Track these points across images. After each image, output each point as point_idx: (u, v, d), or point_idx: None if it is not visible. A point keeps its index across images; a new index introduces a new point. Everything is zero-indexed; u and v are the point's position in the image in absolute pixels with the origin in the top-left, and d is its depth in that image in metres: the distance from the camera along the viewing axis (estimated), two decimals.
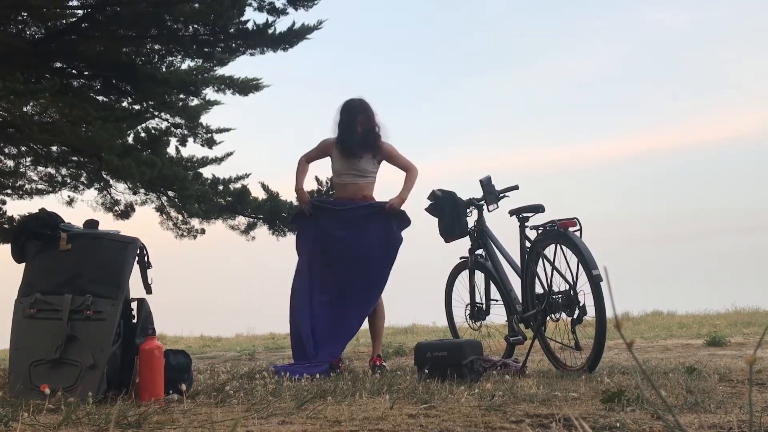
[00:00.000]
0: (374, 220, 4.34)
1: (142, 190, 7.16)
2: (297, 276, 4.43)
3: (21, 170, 7.27)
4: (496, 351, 4.46)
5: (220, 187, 6.96)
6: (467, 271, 4.52)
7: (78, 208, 7.56)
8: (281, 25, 5.99)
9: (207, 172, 7.17)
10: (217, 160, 7.28)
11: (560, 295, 3.69)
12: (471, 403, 2.40)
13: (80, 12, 5.85)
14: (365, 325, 4.49)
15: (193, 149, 11.94)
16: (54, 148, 6.70)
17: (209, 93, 6.81)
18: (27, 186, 7.44)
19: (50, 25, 5.92)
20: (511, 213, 4.11)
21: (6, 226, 7.04)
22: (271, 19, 5.93)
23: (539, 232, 3.84)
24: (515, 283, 4.18)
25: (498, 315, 4.37)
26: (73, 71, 6.44)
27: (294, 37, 6.06)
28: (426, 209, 4.44)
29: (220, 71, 6.76)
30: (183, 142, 7.14)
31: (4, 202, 7.43)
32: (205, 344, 10.36)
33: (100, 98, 6.57)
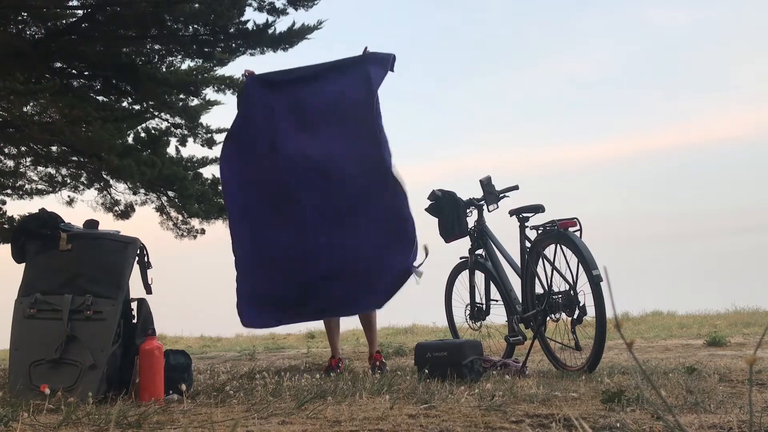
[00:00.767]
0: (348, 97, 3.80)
1: (142, 190, 7.16)
2: (237, 224, 3.78)
3: (21, 170, 7.27)
4: (496, 351, 4.46)
5: (220, 187, 6.96)
6: (467, 271, 4.52)
7: (78, 208, 7.56)
8: (281, 25, 6.00)
9: (207, 172, 7.17)
10: (217, 160, 7.26)
11: (560, 296, 3.69)
12: (471, 403, 2.40)
13: (80, 12, 5.86)
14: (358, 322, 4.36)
15: (193, 149, 11.94)
16: (54, 148, 6.70)
17: (209, 93, 6.81)
18: (27, 186, 7.44)
19: (50, 25, 5.92)
20: (511, 213, 4.11)
21: (6, 226, 7.04)
22: (271, 19, 5.94)
23: (539, 232, 3.85)
24: (515, 283, 4.19)
25: (498, 315, 4.38)
26: (73, 71, 6.44)
27: (294, 37, 6.06)
28: (426, 209, 4.44)
29: (220, 71, 6.76)
30: (183, 142, 7.14)
31: (4, 202, 7.43)
32: (205, 344, 10.36)
33: (100, 98, 6.57)
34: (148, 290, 3.19)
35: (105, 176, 6.96)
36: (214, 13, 5.59)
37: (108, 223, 7.42)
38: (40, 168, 7.26)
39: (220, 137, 7.24)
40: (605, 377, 3.23)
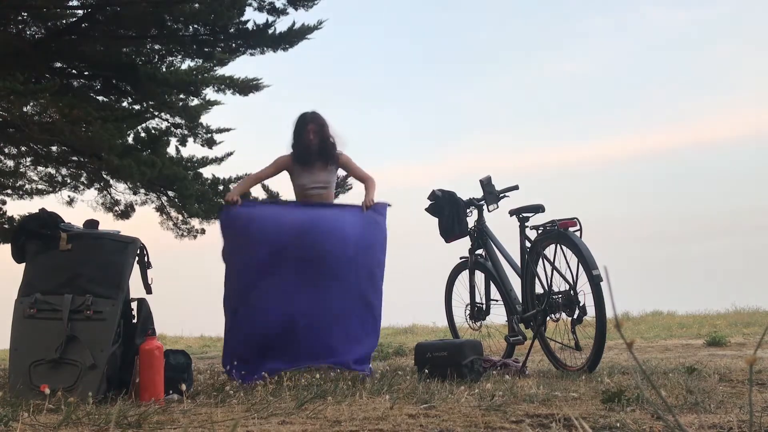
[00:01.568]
0: (347, 212, 4.01)
1: (142, 190, 7.16)
2: (231, 280, 3.84)
3: (21, 170, 7.27)
4: (496, 351, 4.46)
5: (220, 187, 6.96)
6: (467, 271, 4.52)
7: (78, 208, 7.56)
8: (281, 25, 6.00)
9: (207, 172, 7.18)
10: (217, 160, 7.28)
11: (560, 295, 3.69)
12: (471, 403, 2.40)
13: (80, 12, 5.86)
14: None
15: (193, 149, 11.95)
16: (54, 148, 6.70)
17: (209, 93, 6.82)
18: (27, 186, 7.45)
19: (50, 25, 5.92)
20: (511, 213, 4.11)
21: (6, 226, 7.04)
22: (271, 19, 5.94)
23: (539, 232, 3.85)
24: (515, 283, 4.19)
25: (498, 315, 4.38)
26: (74, 71, 6.44)
27: (294, 37, 6.07)
28: (426, 209, 4.44)
29: (220, 71, 6.77)
30: (183, 142, 7.15)
31: (4, 202, 7.43)
32: (205, 344, 10.36)
33: (100, 98, 6.57)
34: (148, 290, 3.19)
35: (105, 176, 6.97)
36: (214, 13, 5.59)
37: (108, 223, 7.43)
38: (40, 168, 7.27)
39: (220, 137, 7.27)
40: (605, 377, 3.23)
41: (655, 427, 1.83)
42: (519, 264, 4.09)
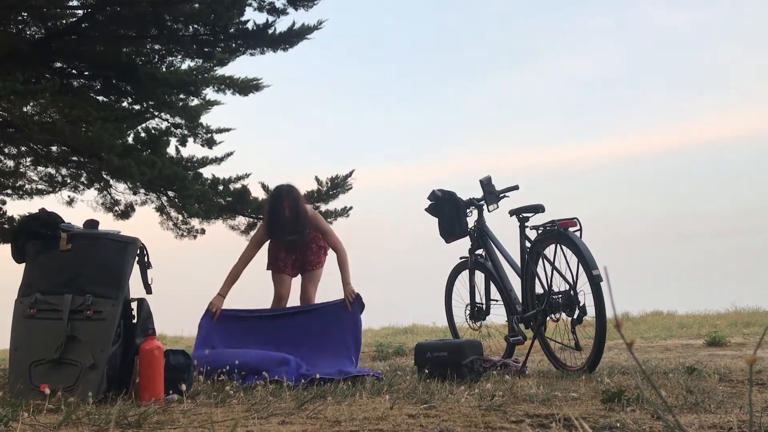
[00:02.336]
0: (326, 313, 4.17)
1: (142, 190, 7.15)
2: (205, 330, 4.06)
3: (21, 170, 7.27)
4: (496, 351, 4.46)
5: (220, 187, 6.95)
6: (467, 271, 4.52)
7: (78, 208, 7.55)
8: (281, 25, 6.00)
9: (207, 172, 7.17)
10: (217, 160, 7.27)
11: (560, 295, 3.69)
12: (471, 403, 2.40)
13: (80, 12, 5.86)
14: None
15: (193, 149, 11.94)
16: (54, 148, 6.69)
17: (209, 93, 6.81)
18: (27, 186, 7.43)
19: (50, 25, 5.92)
20: (511, 213, 4.11)
21: (6, 226, 7.04)
22: (271, 19, 5.94)
23: (539, 232, 3.84)
24: (515, 283, 4.19)
25: (498, 315, 4.38)
26: (73, 71, 6.44)
27: (294, 37, 6.06)
28: (426, 209, 4.44)
29: (220, 71, 6.76)
30: (183, 142, 7.14)
31: (4, 202, 7.42)
32: None
33: (100, 98, 6.57)
34: (148, 290, 3.19)
35: (105, 176, 6.96)
36: (214, 13, 5.59)
37: (108, 223, 7.42)
38: (40, 168, 7.26)
39: (220, 137, 7.26)
40: (605, 377, 3.23)
41: (655, 427, 1.83)
42: (519, 264, 4.09)
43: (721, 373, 3.28)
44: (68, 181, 7.36)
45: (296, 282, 4.60)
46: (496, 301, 4.36)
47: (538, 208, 4.02)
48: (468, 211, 4.40)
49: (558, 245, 3.67)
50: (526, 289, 3.96)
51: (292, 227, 4.29)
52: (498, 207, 4.32)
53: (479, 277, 4.47)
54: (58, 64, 6.34)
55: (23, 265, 3.03)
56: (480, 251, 4.45)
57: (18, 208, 12.71)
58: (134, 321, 3.04)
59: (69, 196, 7.49)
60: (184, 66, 6.57)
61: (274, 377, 3.46)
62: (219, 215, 7.01)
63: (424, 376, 3.37)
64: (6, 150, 6.92)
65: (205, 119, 7.15)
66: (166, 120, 6.95)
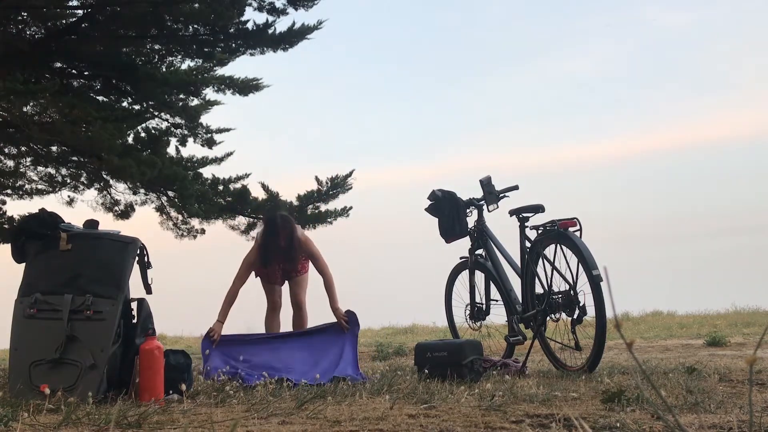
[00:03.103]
0: (321, 337, 4.15)
1: (142, 190, 7.14)
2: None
3: (21, 170, 7.26)
4: (497, 351, 4.46)
5: (220, 187, 6.95)
6: (467, 271, 4.51)
7: (78, 208, 7.55)
8: (281, 25, 6.00)
9: (207, 172, 7.16)
10: (217, 160, 7.27)
11: (560, 295, 3.69)
12: (471, 403, 2.40)
13: (80, 12, 5.85)
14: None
15: (193, 149, 11.92)
16: (54, 148, 6.69)
17: (209, 93, 6.80)
18: (27, 186, 7.43)
19: (50, 25, 5.92)
20: (511, 213, 4.11)
21: (6, 226, 7.03)
22: (271, 19, 5.94)
23: (539, 232, 3.84)
24: (515, 283, 4.19)
25: (498, 315, 4.38)
26: (73, 71, 6.44)
27: (294, 37, 6.06)
28: (426, 209, 4.44)
29: (220, 71, 6.75)
30: (183, 142, 7.13)
31: (4, 202, 7.42)
32: None
33: (100, 98, 6.56)
34: (148, 290, 3.19)
35: (105, 176, 6.96)
36: (214, 13, 5.58)
37: (108, 223, 7.41)
38: (40, 168, 7.25)
39: (219, 137, 7.25)
40: (605, 377, 3.23)
41: (655, 427, 1.83)
42: (519, 264, 4.09)
43: (721, 373, 3.28)
44: (68, 181, 7.36)
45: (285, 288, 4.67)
46: (496, 301, 4.36)
47: (538, 208, 4.02)
48: (468, 211, 4.40)
49: (558, 245, 3.67)
50: (526, 289, 3.96)
51: (285, 256, 4.36)
52: (498, 207, 4.32)
53: (479, 277, 4.47)
54: (58, 64, 6.34)
55: (23, 265, 3.03)
56: (480, 251, 4.45)
57: (18, 208, 12.71)
58: (134, 321, 3.04)
59: (69, 196, 7.49)
60: (184, 66, 6.57)
61: (275, 376, 3.49)
62: (219, 215, 7.01)
63: (424, 376, 3.37)
64: (6, 150, 6.92)
65: (205, 119, 7.15)
66: (166, 120, 6.95)
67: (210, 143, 7.17)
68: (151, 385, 2.76)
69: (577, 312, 3.60)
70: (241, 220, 7.11)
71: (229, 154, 7.36)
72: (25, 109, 5.57)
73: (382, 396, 2.66)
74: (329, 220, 6.94)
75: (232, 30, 5.91)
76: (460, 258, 4.60)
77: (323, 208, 6.94)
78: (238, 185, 6.98)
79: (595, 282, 3.41)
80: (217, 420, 2.16)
